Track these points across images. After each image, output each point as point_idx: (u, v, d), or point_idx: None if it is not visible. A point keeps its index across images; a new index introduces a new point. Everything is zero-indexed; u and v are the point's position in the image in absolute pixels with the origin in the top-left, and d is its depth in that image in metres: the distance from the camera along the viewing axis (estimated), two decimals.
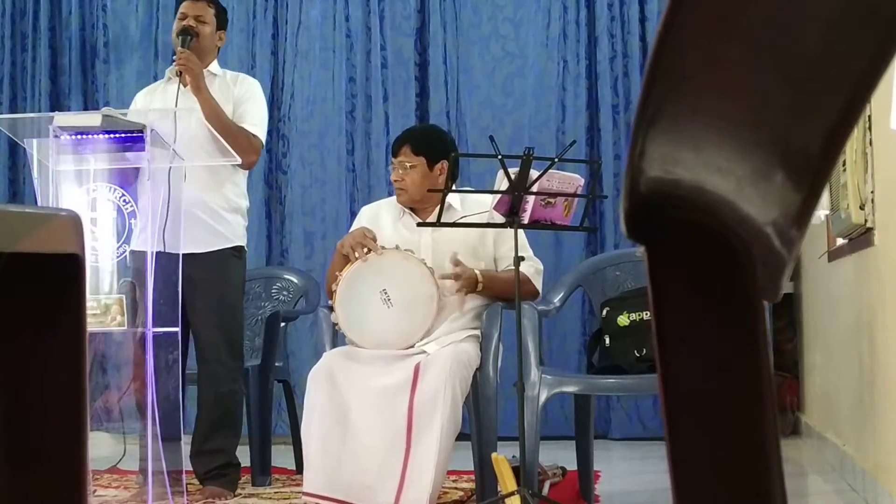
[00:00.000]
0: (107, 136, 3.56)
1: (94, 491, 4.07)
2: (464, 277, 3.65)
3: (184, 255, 3.86)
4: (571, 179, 3.40)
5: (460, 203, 3.80)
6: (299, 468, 4.06)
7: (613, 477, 4.44)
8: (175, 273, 3.63)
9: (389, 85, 6.01)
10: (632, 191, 0.64)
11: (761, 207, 0.62)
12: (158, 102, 4.11)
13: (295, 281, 4.87)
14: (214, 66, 4.21)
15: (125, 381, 3.92)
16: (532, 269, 3.76)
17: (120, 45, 6.30)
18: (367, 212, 4.01)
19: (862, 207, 3.62)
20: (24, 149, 3.67)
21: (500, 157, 3.26)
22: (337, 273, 3.70)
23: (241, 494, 4.06)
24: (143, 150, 3.56)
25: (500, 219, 3.39)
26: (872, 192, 3.55)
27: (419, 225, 3.68)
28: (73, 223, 1.01)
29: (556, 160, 3.32)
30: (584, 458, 3.88)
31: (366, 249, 3.67)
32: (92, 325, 3.45)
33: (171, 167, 3.69)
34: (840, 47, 0.56)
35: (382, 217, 3.91)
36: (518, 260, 3.37)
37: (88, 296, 3.44)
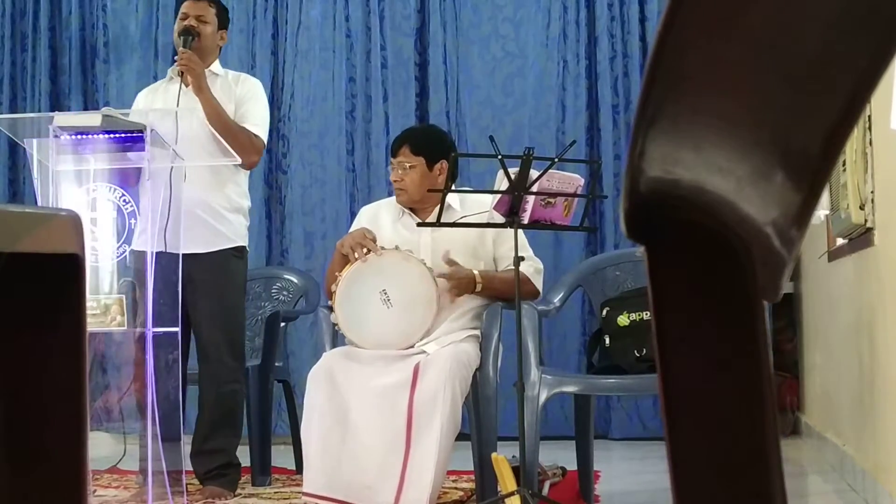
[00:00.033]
0: (107, 136, 3.56)
1: (94, 491, 4.07)
2: (457, 278, 3.65)
3: (185, 255, 3.86)
4: (571, 179, 3.40)
5: (460, 203, 3.80)
6: (299, 468, 4.06)
7: (613, 477, 4.44)
8: (175, 273, 3.63)
9: (389, 85, 6.01)
10: (632, 191, 0.64)
11: (761, 207, 0.62)
12: (160, 102, 4.11)
13: (295, 281, 4.87)
14: (216, 66, 4.21)
15: (125, 381, 3.92)
16: (532, 268, 3.76)
17: (120, 45, 6.30)
18: (367, 212, 4.01)
19: (862, 207, 3.62)
20: (24, 149, 3.67)
21: (500, 157, 3.26)
22: (336, 273, 3.70)
23: (241, 494, 4.06)
24: (143, 150, 3.56)
25: (499, 219, 3.39)
26: (872, 192, 3.55)
27: (419, 225, 3.68)
28: (73, 223, 1.01)
29: (556, 160, 3.32)
30: (584, 458, 3.88)
31: (365, 250, 3.67)
32: (92, 325, 3.45)
33: (172, 167, 3.69)
34: (840, 47, 0.56)
35: (382, 217, 3.91)
36: (518, 260, 3.37)
37: (88, 296, 3.44)
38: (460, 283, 3.67)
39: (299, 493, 3.67)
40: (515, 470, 3.28)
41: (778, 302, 0.66)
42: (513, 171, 3.27)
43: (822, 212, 4.44)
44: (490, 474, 3.42)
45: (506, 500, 3.21)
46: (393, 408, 3.43)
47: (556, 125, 5.85)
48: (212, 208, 4.04)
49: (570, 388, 3.79)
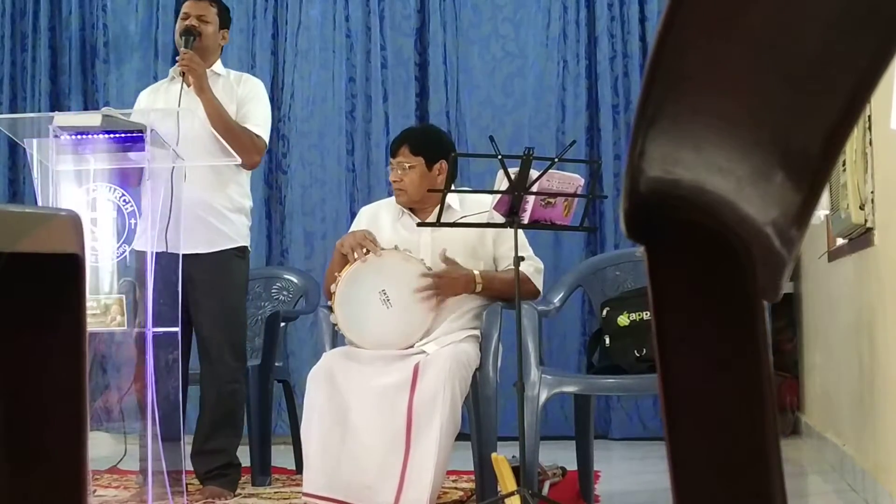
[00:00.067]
0: (107, 136, 3.56)
1: (94, 491, 4.07)
2: (451, 277, 3.65)
3: (187, 255, 3.87)
4: (571, 179, 3.40)
5: (459, 203, 3.80)
6: (299, 468, 4.06)
7: (613, 477, 4.44)
8: (175, 273, 3.63)
9: (389, 85, 6.01)
10: (632, 191, 0.64)
11: (761, 207, 0.62)
12: (162, 102, 4.11)
13: (295, 281, 4.87)
14: (218, 66, 4.20)
15: (125, 381, 3.92)
16: (532, 268, 3.76)
17: (120, 45, 6.30)
18: (367, 212, 4.01)
19: (862, 207, 3.62)
20: (24, 149, 3.67)
21: (500, 157, 3.26)
22: (336, 273, 3.70)
23: (241, 494, 4.06)
24: (143, 150, 3.56)
25: (499, 219, 3.39)
26: (872, 192, 3.55)
27: (419, 225, 3.68)
28: (73, 223, 1.01)
29: (556, 160, 3.32)
30: (584, 458, 3.88)
31: (365, 250, 3.67)
32: (92, 325, 3.45)
33: (173, 167, 3.69)
34: (840, 47, 0.56)
35: (382, 217, 3.91)
36: (518, 260, 3.37)
37: (88, 296, 3.44)
38: (453, 282, 3.67)
39: (299, 493, 3.67)
40: (515, 470, 3.28)
41: (778, 302, 0.66)
42: (513, 171, 3.27)
43: (822, 212, 4.44)
44: (490, 474, 3.42)
45: (506, 500, 3.21)
46: (393, 408, 3.43)
47: (556, 125, 5.85)
48: (214, 208, 4.04)
49: (570, 388, 3.79)
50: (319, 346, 3.88)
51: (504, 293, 3.68)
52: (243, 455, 4.17)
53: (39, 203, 3.59)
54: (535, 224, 3.43)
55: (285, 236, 6.05)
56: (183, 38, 4.07)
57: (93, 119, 3.59)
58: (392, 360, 3.58)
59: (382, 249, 3.69)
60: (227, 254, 4.07)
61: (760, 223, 0.63)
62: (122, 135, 3.56)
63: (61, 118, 3.65)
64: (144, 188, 3.70)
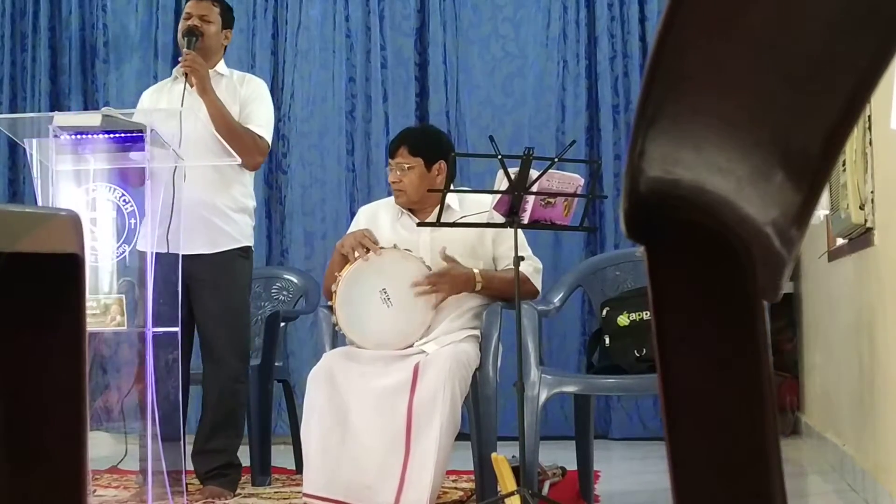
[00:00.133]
0: (106, 136, 3.56)
1: (94, 491, 4.07)
2: (452, 275, 3.65)
3: (191, 255, 3.88)
4: (571, 179, 3.40)
5: (459, 203, 3.80)
6: (299, 468, 4.06)
7: (613, 477, 4.44)
8: (175, 273, 3.64)
9: (389, 85, 6.01)
10: (632, 191, 0.64)
11: (761, 207, 0.62)
12: (165, 102, 4.11)
13: (295, 281, 4.87)
14: (221, 66, 4.20)
15: (125, 381, 3.93)
16: (531, 268, 3.76)
17: (120, 45, 6.31)
18: (366, 212, 4.01)
19: (862, 207, 3.62)
20: (24, 149, 3.67)
21: (499, 157, 3.26)
22: (336, 273, 3.70)
23: (240, 494, 4.06)
24: (142, 150, 3.56)
25: (499, 218, 3.39)
26: (872, 192, 3.54)
27: (419, 225, 3.68)
28: (72, 223, 1.01)
29: (556, 160, 3.32)
30: (584, 458, 3.88)
31: (365, 249, 3.67)
32: (92, 325, 3.45)
33: (175, 167, 3.69)
34: (840, 47, 0.56)
35: (381, 217, 3.90)
36: (518, 260, 3.37)
37: (88, 296, 3.44)
38: (456, 280, 3.67)
39: (299, 493, 3.67)
40: (515, 470, 3.28)
41: (778, 302, 0.66)
42: (513, 171, 3.27)
43: (822, 212, 4.44)
44: (490, 474, 3.42)
45: (506, 500, 3.21)
46: (393, 408, 3.43)
47: (556, 125, 5.85)
48: (217, 209, 4.04)
49: (570, 388, 3.79)
50: (319, 347, 3.87)
51: (503, 292, 3.68)
52: (243, 455, 4.17)
53: (39, 203, 3.59)
54: (535, 224, 3.43)
55: (285, 236, 6.05)
56: (185, 38, 4.06)
57: (92, 119, 3.59)
58: (392, 361, 3.58)
59: (382, 248, 3.69)
60: (231, 254, 4.07)
61: (760, 223, 0.63)
62: (122, 135, 3.56)
63: (61, 118, 3.65)
64: (145, 188, 3.70)
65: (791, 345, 5.82)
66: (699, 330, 0.70)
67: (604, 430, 5.62)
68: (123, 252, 3.64)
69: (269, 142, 4.17)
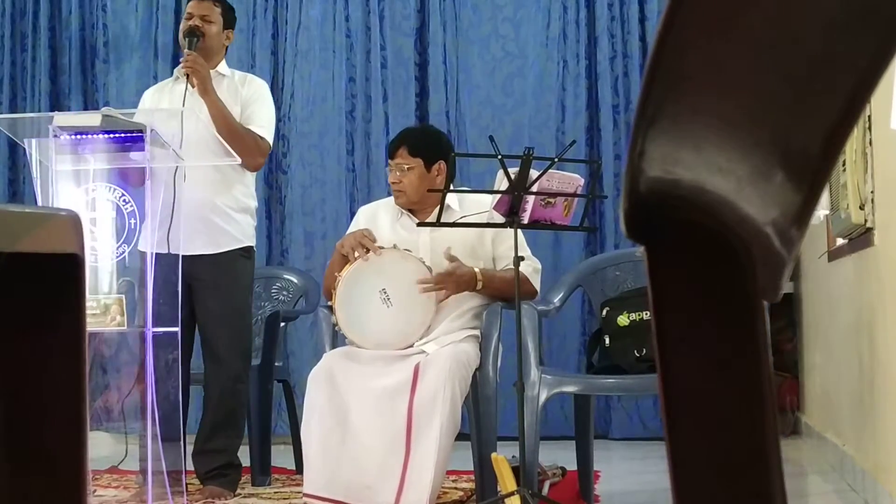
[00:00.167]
0: (106, 136, 3.56)
1: (94, 491, 4.07)
2: (458, 274, 3.65)
3: (194, 255, 3.88)
4: (571, 179, 3.40)
5: (458, 203, 3.80)
6: (299, 468, 4.06)
7: (613, 477, 4.44)
8: (175, 273, 3.63)
9: (389, 85, 6.01)
10: (632, 191, 0.64)
11: (761, 207, 0.62)
12: (166, 102, 4.11)
13: (295, 281, 4.87)
14: (223, 67, 4.20)
15: (125, 381, 3.93)
16: (530, 268, 3.76)
17: (120, 45, 6.30)
18: (365, 212, 4.01)
19: (862, 207, 3.62)
20: (24, 149, 3.67)
21: (499, 157, 3.26)
22: (336, 274, 3.70)
23: (240, 494, 4.06)
24: (142, 150, 3.56)
25: (499, 219, 3.39)
26: (872, 192, 3.54)
27: (419, 225, 3.68)
28: (72, 223, 1.01)
29: (556, 160, 3.32)
30: (584, 458, 3.88)
31: (365, 249, 3.67)
32: (92, 325, 3.45)
33: (176, 168, 3.69)
34: (840, 47, 0.56)
35: (380, 217, 3.90)
36: (518, 260, 3.37)
37: (88, 296, 3.44)
38: (459, 279, 3.67)
39: (299, 493, 3.67)
40: (515, 470, 3.28)
41: (778, 302, 0.66)
42: (513, 171, 3.27)
43: (821, 212, 4.44)
44: (490, 474, 3.42)
45: (506, 500, 3.21)
46: (393, 409, 3.43)
47: (556, 125, 5.85)
48: (219, 209, 4.04)
49: (570, 388, 3.79)
50: (319, 347, 3.88)
51: (503, 292, 3.68)
52: (243, 455, 4.17)
53: (39, 203, 3.59)
54: (535, 224, 3.43)
55: (285, 236, 6.05)
56: (186, 38, 4.06)
57: (92, 119, 3.59)
58: (392, 361, 3.58)
59: (382, 248, 3.69)
60: (233, 254, 4.07)
61: (760, 223, 0.63)
62: (122, 135, 3.56)
63: (61, 118, 3.64)
64: (146, 188, 3.70)
65: (791, 345, 5.82)
66: (699, 330, 0.70)
67: (604, 430, 5.62)
68: (123, 252, 3.64)
69: (271, 142, 4.17)
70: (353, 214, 4.31)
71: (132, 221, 3.64)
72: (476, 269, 3.70)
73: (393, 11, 6.04)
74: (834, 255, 4.45)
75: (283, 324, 4.69)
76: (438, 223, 3.43)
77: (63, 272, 1.01)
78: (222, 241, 4.05)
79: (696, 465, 0.70)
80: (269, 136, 4.13)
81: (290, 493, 4.07)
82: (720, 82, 0.59)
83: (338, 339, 3.77)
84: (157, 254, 3.59)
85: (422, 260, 3.69)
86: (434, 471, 3.34)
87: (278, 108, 5.98)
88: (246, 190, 4.16)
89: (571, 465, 4.03)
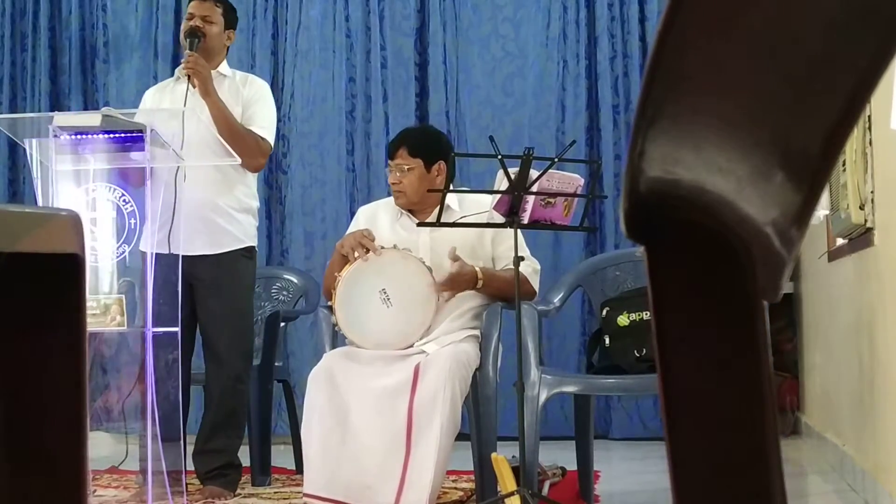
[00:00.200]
0: (106, 136, 3.56)
1: (94, 491, 4.07)
2: (462, 273, 3.65)
3: (195, 255, 3.88)
4: (571, 179, 3.40)
5: (458, 203, 3.80)
6: (299, 468, 4.06)
7: (613, 477, 4.44)
8: (175, 273, 3.63)
9: (389, 85, 6.01)
10: (632, 191, 0.64)
11: (761, 207, 0.62)
12: (168, 102, 4.11)
13: (295, 281, 4.87)
14: (224, 67, 4.20)
15: (125, 381, 3.93)
16: (530, 268, 3.76)
17: (120, 45, 6.30)
18: (365, 212, 4.01)
19: (862, 207, 3.62)
20: (24, 149, 3.67)
21: (499, 157, 3.26)
22: (336, 274, 3.70)
23: (240, 494, 4.06)
24: (142, 150, 3.56)
25: (499, 219, 3.39)
26: (872, 192, 3.54)
27: (419, 225, 3.68)
28: (72, 223, 1.01)
29: (556, 160, 3.32)
30: (584, 458, 3.88)
31: (365, 249, 3.67)
32: (92, 325, 3.45)
33: (178, 168, 3.69)
34: (840, 47, 0.56)
35: (380, 217, 3.90)
36: (518, 260, 3.37)
37: (88, 296, 3.43)
38: (462, 279, 3.67)
39: (299, 493, 3.67)
40: (515, 470, 3.28)
41: (778, 302, 0.66)
42: (513, 171, 3.27)
43: (821, 212, 4.44)
44: (490, 474, 3.42)
45: (506, 500, 3.21)
46: (393, 409, 3.43)
47: (556, 125, 5.85)
48: (221, 209, 4.04)
49: (570, 388, 3.79)
50: (319, 347, 3.88)
51: (503, 291, 3.68)
52: (243, 455, 4.17)
53: (39, 203, 3.59)
54: (535, 224, 3.42)
55: (285, 236, 6.05)
56: (187, 39, 4.05)
57: (92, 119, 3.59)
58: (392, 361, 3.58)
59: (382, 248, 3.69)
60: (235, 254, 4.07)
61: (760, 223, 0.63)
62: (122, 135, 3.56)
63: (61, 118, 3.64)
64: (146, 188, 3.70)
65: (791, 345, 5.82)
66: (699, 330, 0.70)
67: (604, 430, 5.62)
68: (123, 252, 3.63)
69: (272, 144, 4.17)
70: (353, 214, 4.31)
71: (132, 221, 3.64)
72: (476, 268, 3.70)
73: (393, 11, 6.04)
74: (834, 255, 4.45)
75: (283, 324, 4.69)
76: (438, 223, 3.43)
77: (63, 272, 1.01)
78: (224, 242, 4.05)
79: (696, 465, 0.70)
80: (270, 136, 4.14)
81: (290, 493, 4.07)
82: (720, 82, 0.59)
83: (338, 339, 3.77)
84: (157, 254, 3.59)
85: (422, 260, 3.69)
86: (434, 471, 3.34)
87: (278, 108, 5.98)
88: (248, 190, 4.16)
89: (571, 465, 4.03)
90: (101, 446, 4.93)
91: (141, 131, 3.54)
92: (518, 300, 3.37)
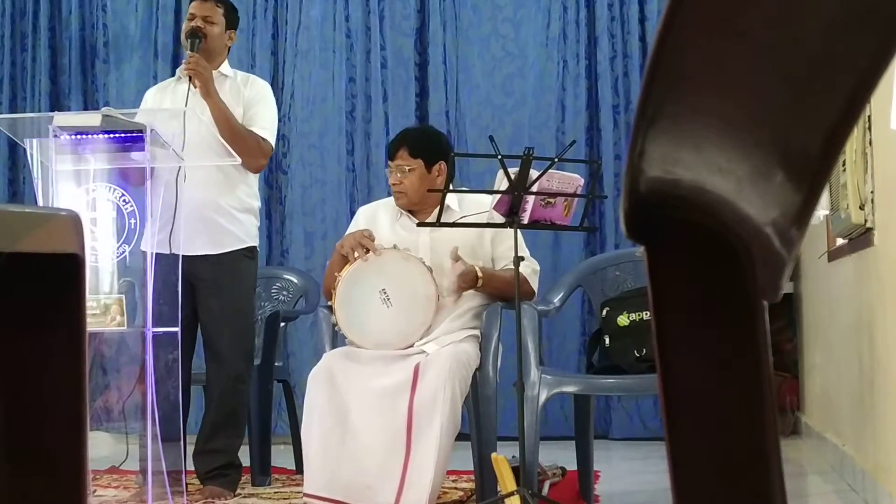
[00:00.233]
0: (106, 136, 3.56)
1: (94, 491, 4.07)
2: (466, 272, 3.65)
3: (197, 255, 3.88)
4: (571, 179, 3.40)
5: (458, 203, 3.80)
6: (299, 468, 4.06)
7: (613, 477, 4.44)
8: (175, 273, 3.63)
9: (389, 85, 6.01)
10: (632, 191, 0.64)
11: (761, 207, 0.62)
12: (169, 102, 4.11)
13: (295, 281, 4.87)
14: (225, 67, 4.20)
15: (126, 381, 3.93)
16: (529, 269, 3.76)
17: (120, 45, 6.30)
18: (365, 212, 4.01)
19: (862, 207, 3.62)
20: (24, 149, 3.67)
21: (499, 157, 3.26)
22: (336, 274, 3.70)
23: (240, 494, 4.06)
24: (142, 150, 3.56)
25: (499, 219, 3.39)
26: (872, 192, 3.54)
27: (419, 225, 3.68)
28: (72, 223, 1.01)
29: (556, 160, 3.31)
30: (584, 458, 3.88)
31: (365, 249, 3.67)
32: (92, 325, 3.45)
33: (179, 168, 3.69)
34: (840, 47, 0.56)
35: (380, 217, 3.90)
36: (518, 260, 3.37)
37: (88, 296, 3.43)
38: (467, 278, 3.67)
39: (299, 493, 3.67)
40: (515, 470, 3.28)
41: (778, 302, 0.66)
42: (513, 171, 3.27)
43: (822, 212, 4.44)
44: (490, 474, 3.42)
45: (506, 500, 3.21)
46: (393, 409, 3.43)
47: (556, 125, 5.85)
48: (223, 209, 4.04)
49: (570, 388, 3.79)
50: (319, 347, 3.87)
51: (502, 291, 3.68)
52: (243, 455, 4.17)
53: (39, 203, 3.59)
54: (535, 224, 3.42)
55: (285, 236, 6.05)
56: (189, 40, 4.05)
57: (92, 119, 3.59)
58: (392, 361, 3.58)
59: (382, 248, 3.69)
60: (237, 254, 4.07)
61: (760, 223, 0.63)
62: (122, 135, 3.56)
63: (61, 118, 3.64)
64: (146, 188, 3.70)
65: (791, 345, 5.82)
66: (699, 330, 0.70)
67: (604, 430, 5.62)
68: (123, 252, 3.63)
69: (273, 144, 4.18)
70: (353, 214, 4.32)
71: (132, 221, 3.64)
72: (476, 268, 3.70)
73: (393, 11, 6.04)
74: (834, 255, 4.45)
75: (283, 324, 4.69)
76: (438, 223, 3.43)
77: (63, 272, 1.01)
78: (226, 242, 4.05)
79: (696, 465, 0.70)
80: (271, 137, 4.14)
81: (290, 493, 4.07)
82: (720, 82, 0.59)
83: (338, 339, 3.77)
84: (157, 254, 3.59)
85: (422, 260, 3.69)
86: (434, 471, 3.34)
87: (278, 108, 5.98)
88: (249, 190, 4.17)
89: (571, 465, 4.03)
90: (101, 446, 4.93)
91: (141, 131, 3.54)
92: (518, 300, 3.37)
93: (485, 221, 3.47)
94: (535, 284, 3.81)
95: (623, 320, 3.76)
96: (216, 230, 4.02)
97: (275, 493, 4.13)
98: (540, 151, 3.49)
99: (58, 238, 0.99)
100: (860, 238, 3.77)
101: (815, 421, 5.26)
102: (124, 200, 3.65)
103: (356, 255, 3.66)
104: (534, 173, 3.30)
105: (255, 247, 4.18)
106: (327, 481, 3.40)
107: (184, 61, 4.05)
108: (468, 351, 3.61)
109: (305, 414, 3.52)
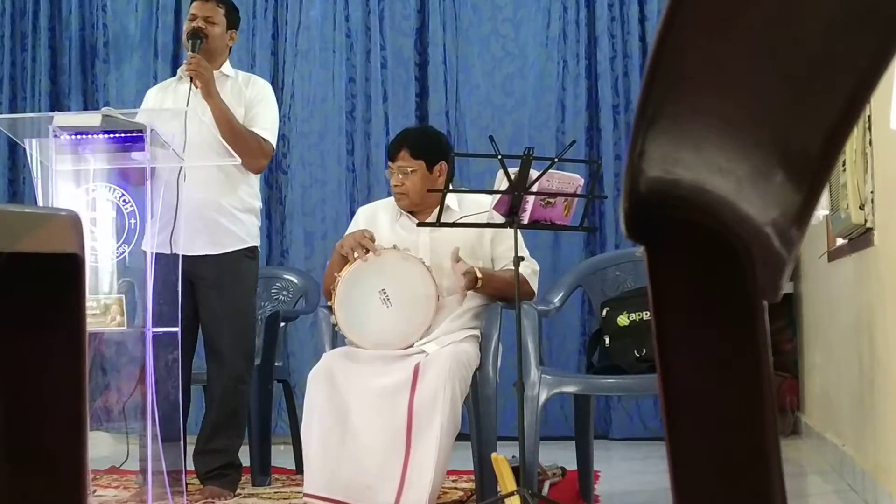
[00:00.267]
0: (106, 136, 3.56)
1: (94, 491, 4.07)
2: (468, 272, 3.65)
3: (198, 256, 3.88)
4: (571, 179, 3.39)
5: (458, 203, 3.80)
6: (299, 468, 4.06)
7: (613, 477, 4.44)
8: (175, 273, 3.63)
9: (389, 85, 6.01)
10: (632, 191, 0.64)
11: (761, 207, 0.62)
12: (170, 102, 4.11)
13: (295, 281, 4.87)
14: (227, 67, 4.20)
15: (126, 381, 3.93)
16: (529, 269, 3.76)
17: (120, 45, 6.31)
18: (365, 212, 4.01)
19: (862, 207, 3.62)
20: (24, 149, 3.67)
21: (499, 157, 3.26)
22: (336, 274, 3.70)
23: (240, 494, 4.06)
24: (142, 150, 3.56)
25: (499, 219, 3.39)
26: (872, 192, 3.54)
27: (419, 225, 3.68)
28: (72, 223, 1.01)
29: (556, 160, 3.31)
30: (584, 458, 3.88)
31: (365, 250, 3.67)
32: (92, 325, 3.45)
33: (180, 168, 3.69)
34: (840, 47, 0.56)
35: (380, 218, 3.90)
36: (518, 260, 3.37)
37: (88, 296, 3.43)
38: (469, 278, 3.67)
39: (299, 493, 3.67)
40: (515, 470, 3.28)
41: (778, 302, 0.66)
42: (513, 171, 3.27)
43: (821, 212, 4.44)
44: (490, 474, 3.42)
45: (505, 500, 3.21)
46: (393, 408, 3.43)
47: (556, 125, 5.85)
48: (225, 209, 4.04)
49: (570, 388, 3.79)
50: (319, 347, 3.87)
51: (502, 291, 3.68)
52: (243, 455, 4.17)
53: (39, 203, 3.59)
54: (535, 224, 3.42)
55: (285, 236, 6.05)
56: (190, 40, 4.05)
57: (92, 119, 3.59)
58: (392, 361, 3.58)
59: (382, 248, 3.69)
60: (238, 254, 4.07)
61: (760, 223, 0.63)
62: (122, 135, 3.56)
63: (61, 118, 3.64)
64: (146, 188, 3.70)
65: (791, 345, 5.82)
66: (699, 330, 0.70)
67: (604, 430, 5.62)
68: (123, 252, 3.63)
69: (274, 145, 4.18)
70: (353, 214, 4.32)
71: (132, 221, 3.64)
72: (475, 267, 3.70)
73: (393, 11, 6.04)
74: (834, 255, 4.45)
75: (283, 324, 4.69)
76: (438, 223, 3.43)
77: (63, 272, 1.01)
78: (227, 242, 4.05)
79: (696, 465, 0.70)
80: (272, 138, 4.14)
81: (290, 493, 4.07)
82: (720, 82, 0.59)
83: (338, 339, 3.77)
84: (157, 254, 3.59)
85: (421, 260, 3.69)
86: (434, 471, 3.34)
87: (278, 108, 5.99)
88: (251, 190, 4.17)
89: (571, 465, 4.03)
90: (101, 446, 4.93)
91: (141, 131, 3.54)
92: (518, 300, 3.37)
93: (485, 221, 3.47)
94: (534, 285, 3.81)
95: (623, 320, 3.76)
96: (218, 230, 4.02)
97: (275, 493, 4.13)
98: (540, 151, 3.49)
99: (58, 238, 0.99)
100: (860, 238, 3.77)
101: (815, 421, 5.26)
102: (124, 200, 3.65)
103: (356, 255, 3.66)
104: (534, 173, 3.30)
105: (256, 247, 4.18)
106: (327, 481, 3.40)
107: (185, 62, 4.04)
108: (468, 351, 3.61)
109: (305, 414, 3.52)
